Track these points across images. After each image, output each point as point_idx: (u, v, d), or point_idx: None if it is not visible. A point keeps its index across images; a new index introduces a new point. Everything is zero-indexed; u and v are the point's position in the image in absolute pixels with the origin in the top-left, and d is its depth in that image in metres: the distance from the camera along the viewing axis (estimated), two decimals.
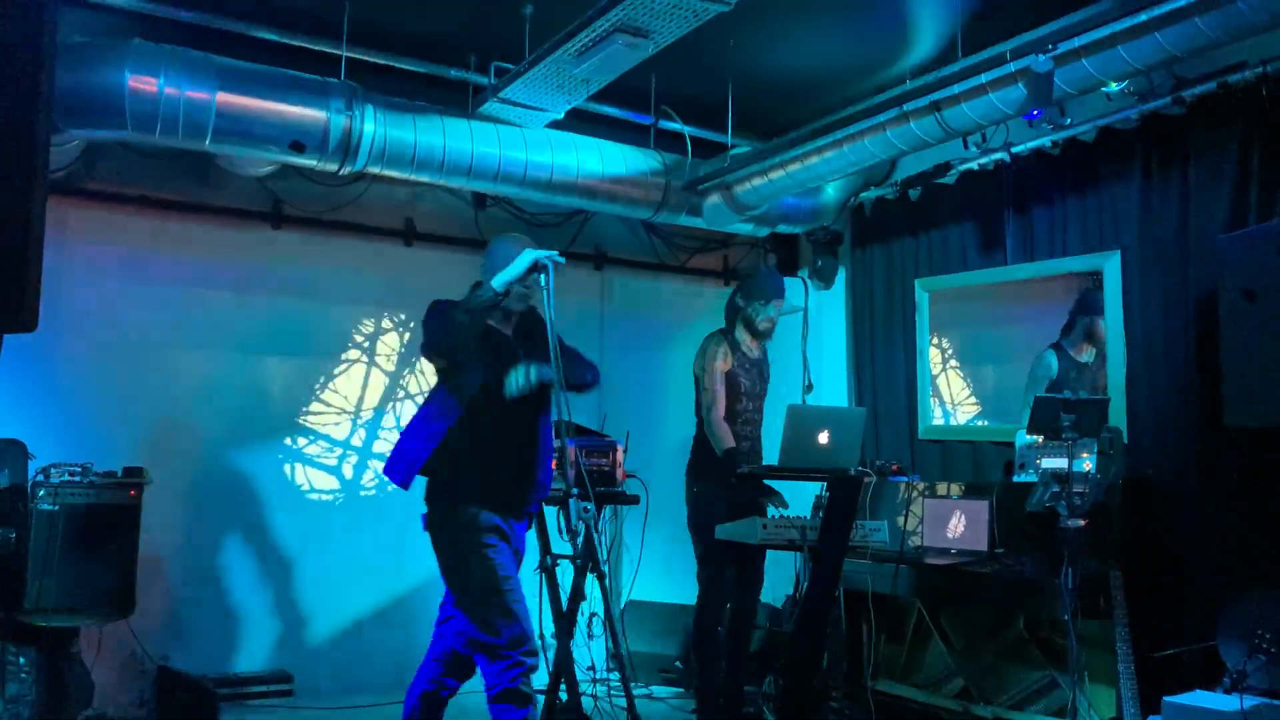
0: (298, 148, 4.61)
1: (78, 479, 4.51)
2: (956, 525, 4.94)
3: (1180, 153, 4.43)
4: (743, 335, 4.97)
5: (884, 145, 4.64)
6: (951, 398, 5.72)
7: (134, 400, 5.19)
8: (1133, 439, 4.50)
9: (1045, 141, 4.94)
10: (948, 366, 5.75)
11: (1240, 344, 3.66)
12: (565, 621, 4.77)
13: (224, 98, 4.38)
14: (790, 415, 4.33)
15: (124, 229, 5.25)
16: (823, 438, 4.20)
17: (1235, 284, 3.71)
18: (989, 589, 4.59)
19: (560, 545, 4.99)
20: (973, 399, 5.70)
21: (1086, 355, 4.98)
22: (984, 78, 4.12)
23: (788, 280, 6.52)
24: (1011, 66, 3.99)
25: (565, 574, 4.91)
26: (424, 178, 4.99)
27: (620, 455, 4.82)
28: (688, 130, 5.51)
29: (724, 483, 4.68)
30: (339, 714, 5.07)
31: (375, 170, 4.88)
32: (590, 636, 5.67)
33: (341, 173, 4.83)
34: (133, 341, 5.23)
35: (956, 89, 4.19)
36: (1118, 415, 4.50)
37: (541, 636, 5.21)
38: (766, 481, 4.89)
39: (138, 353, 5.24)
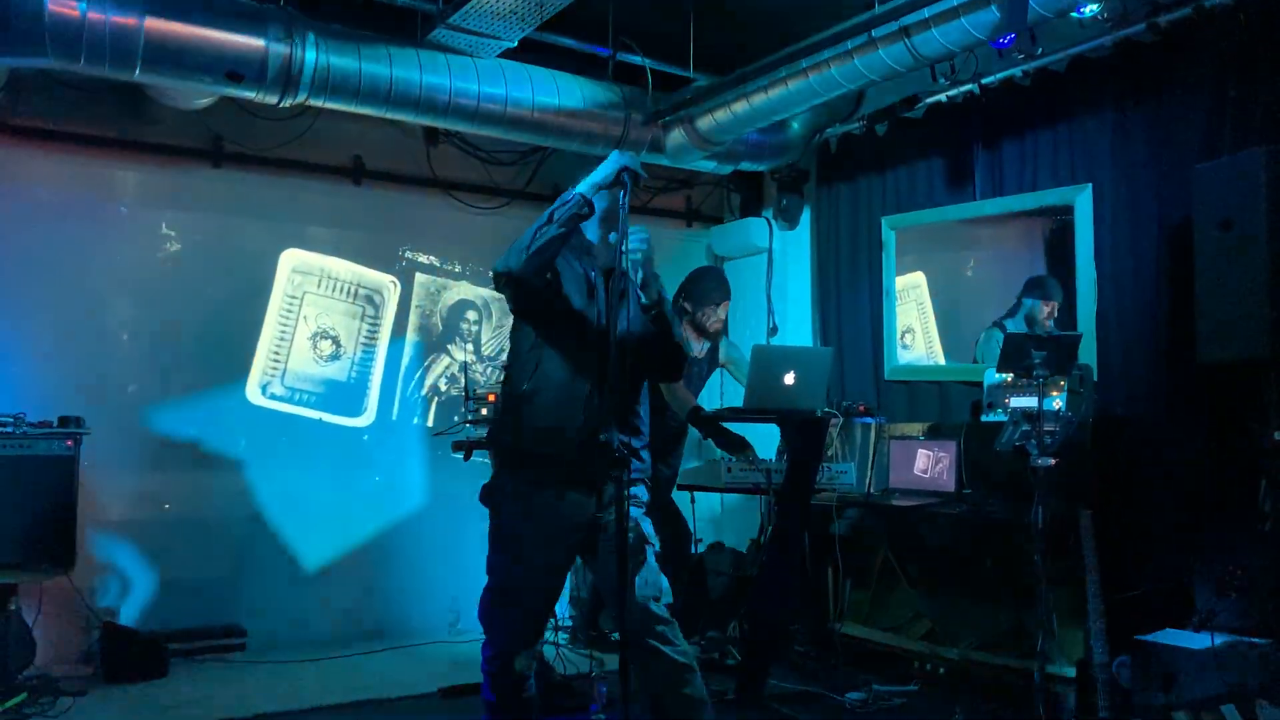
0: (234, 78, 4.36)
1: (9, 429, 4.31)
2: (924, 466, 4.86)
3: (1154, 82, 4.31)
4: (687, 333, 4.98)
5: (851, 74, 4.47)
6: (924, 336, 5.63)
7: (70, 348, 4.96)
8: (1102, 376, 4.43)
9: (1016, 72, 4.80)
10: (915, 305, 5.65)
11: (1215, 276, 3.57)
12: None
13: (152, 23, 4.11)
14: (755, 355, 4.22)
15: (54, 168, 4.97)
16: (788, 378, 4.09)
17: (1211, 215, 3.61)
18: (956, 530, 4.53)
19: None
20: (939, 339, 5.62)
21: None
22: (956, 0, 3.95)
23: (752, 220, 6.42)
24: None
25: None
26: (370, 111, 4.76)
27: None
28: (648, 63, 5.30)
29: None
30: (292, 668, 4.93)
31: (318, 103, 4.64)
32: None
33: (282, 105, 4.58)
34: (67, 287, 4.98)
35: (927, 12, 4.02)
36: (1088, 352, 4.41)
37: None
38: (735, 430, 4.78)
39: (73, 299, 5.00)
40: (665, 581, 2.99)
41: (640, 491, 3.08)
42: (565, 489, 2.94)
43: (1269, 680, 3.23)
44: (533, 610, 3.06)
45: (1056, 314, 4.80)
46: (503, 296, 3.02)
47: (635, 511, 3.00)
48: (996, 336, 5.09)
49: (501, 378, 3.14)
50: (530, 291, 2.90)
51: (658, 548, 3.04)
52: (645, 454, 3.09)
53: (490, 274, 3.08)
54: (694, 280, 5.14)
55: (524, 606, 3.02)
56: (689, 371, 5.00)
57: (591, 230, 3.01)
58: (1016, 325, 4.97)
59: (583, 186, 2.88)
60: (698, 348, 5.03)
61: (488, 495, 3.11)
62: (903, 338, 5.59)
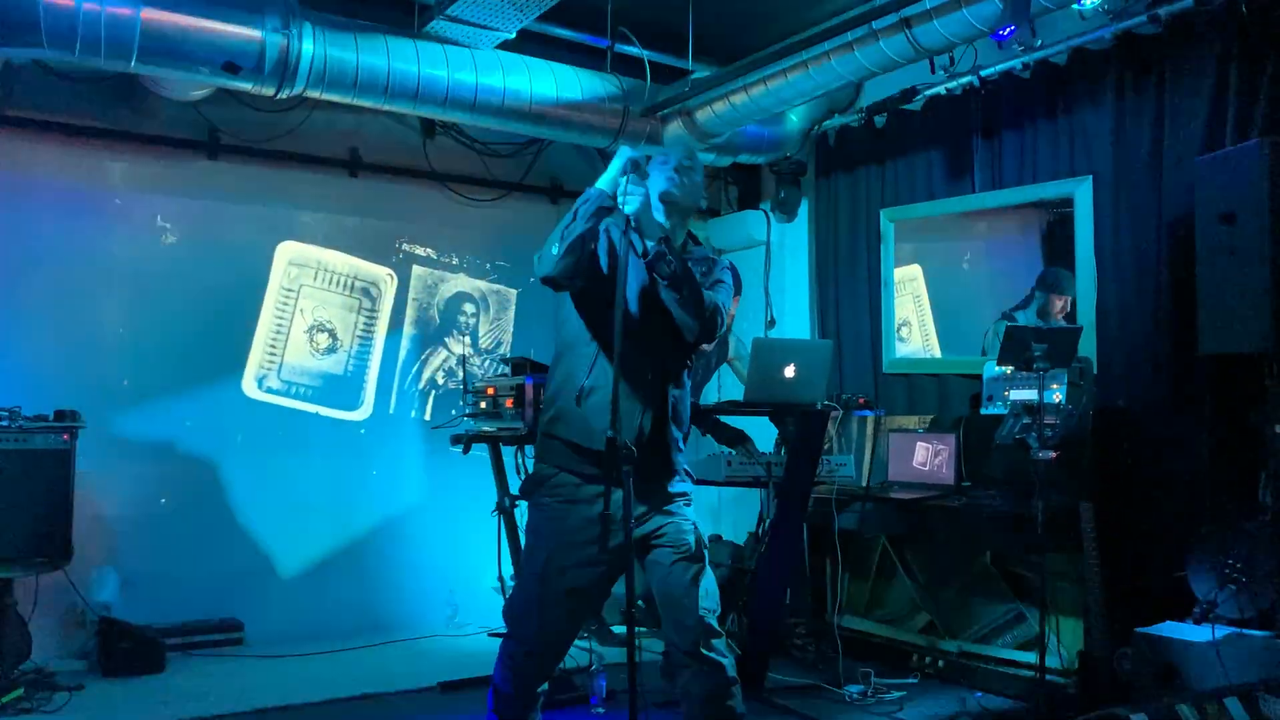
0: (232, 69, 4.33)
1: (5, 423, 4.27)
2: (923, 459, 4.86)
3: (1155, 74, 4.30)
4: None
5: (852, 66, 4.45)
6: (920, 329, 5.62)
7: (65, 341, 4.93)
8: (1102, 369, 4.42)
9: (1015, 64, 4.78)
10: (911, 298, 5.64)
11: (1217, 268, 3.56)
12: None
13: (149, 14, 4.08)
14: (756, 348, 4.21)
15: (47, 159, 4.94)
16: (789, 371, 4.08)
17: (1212, 207, 3.60)
18: (955, 523, 4.53)
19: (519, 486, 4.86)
20: (935, 332, 5.61)
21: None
22: None
23: (749, 213, 6.39)
24: None
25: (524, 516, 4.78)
26: (368, 102, 4.73)
27: None
28: (646, 54, 5.27)
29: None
30: (290, 662, 4.91)
31: (315, 94, 4.61)
32: None
33: (280, 96, 4.56)
34: (62, 279, 4.95)
35: (929, 4, 4.00)
36: (1088, 345, 4.40)
37: (501, 579, 5.10)
38: (733, 424, 4.76)
39: (68, 291, 4.96)
40: (718, 592, 2.96)
41: (689, 488, 3.03)
42: (614, 487, 2.80)
43: (1270, 673, 3.23)
44: (572, 604, 2.97)
45: (1069, 309, 4.76)
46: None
47: (691, 511, 2.99)
48: (1003, 328, 5.05)
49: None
50: (573, 289, 2.89)
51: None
52: (685, 446, 3.06)
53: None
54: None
55: (565, 600, 2.93)
56: (696, 362, 4.96)
57: (658, 215, 2.93)
58: (1028, 318, 4.94)
59: (601, 182, 2.88)
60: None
61: (530, 487, 3.05)
62: (899, 330, 5.58)
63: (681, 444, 3.04)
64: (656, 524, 2.91)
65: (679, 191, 2.92)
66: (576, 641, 4.76)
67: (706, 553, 2.97)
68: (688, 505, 3.00)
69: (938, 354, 5.54)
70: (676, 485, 2.99)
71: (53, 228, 4.93)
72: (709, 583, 2.91)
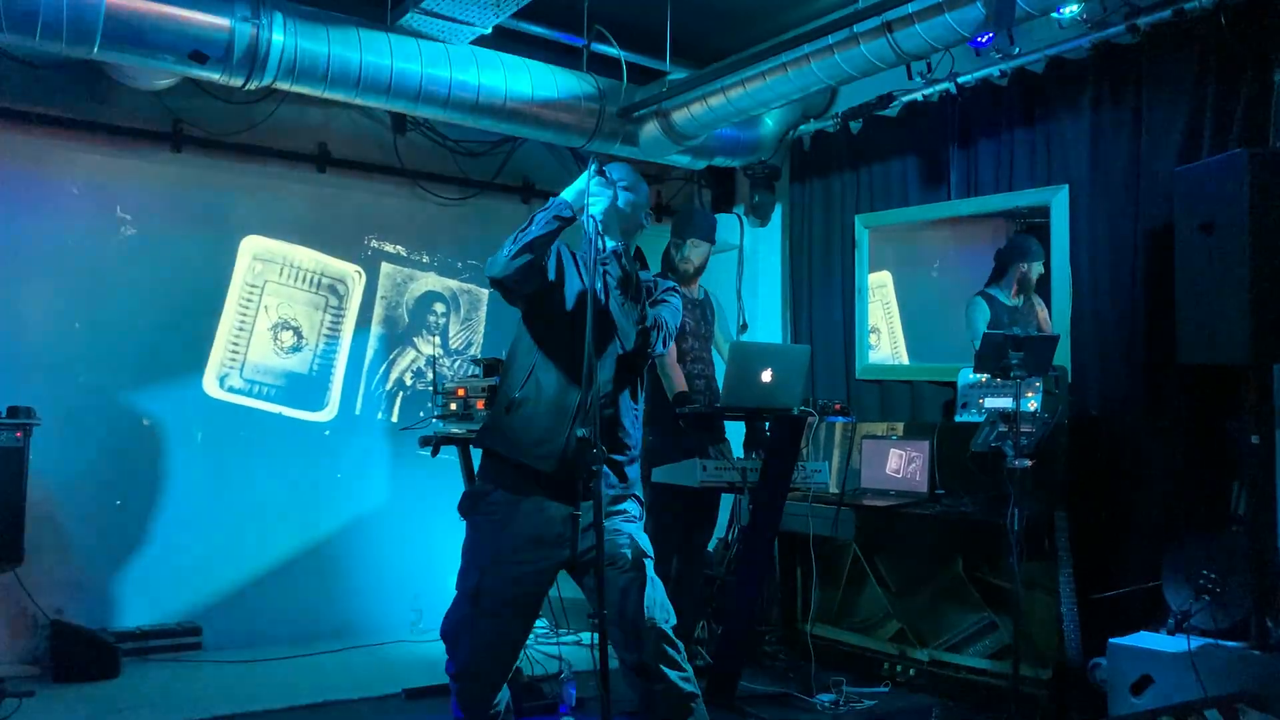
0: (199, 58, 4.21)
1: None
2: (896, 466, 4.83)
3: (1133, 84, 4.30)
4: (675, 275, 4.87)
5: (831, 70, 4.41)
6: (889, 336, 5.61)
7: (19, 336, 4.78)
8: (1077, 378, 4.42)
9: (993, 71, 4.78)
10: (880, 305, 5.62)
11: (1196, 279, 3.55)
12: None
13: None
14: (734, 352, 4.18)
15: (4, 148, 4.78)
16: (766, 375, 4.04)
17: (1192, 217, 3.60)
18: (928, 530, 4.50)
19: None
20: (904, 339, 5.59)
21: (1017, 300, 4.88)
22: None
23: (723, 217, 6.34)
24: None
25: None
26: (339, 96, 4.62)
27: None
28: (623, 55, 5.20)
29: (672, 428, 4.52)
30: (250, 667, 4.80)
31: (285, 86, 4.49)
32: None
33: (248, 88, 4.44)
34: (16, 272, 4.80)
35: (911, 8, 3.98)
36: (1062, 354, 4.39)
37: None
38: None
39: (22, 284, 4.81)
40: (668, 602, 2.92)
41: (631, 506, 3.00)
42: (548, 500, 2.86)
43: (1244, 685, 3.22)
44: (506, 624, 2.92)
45: (1045, 272, 4.67)
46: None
47: (631, 526, 2.95)
48: (980, 305, 4.98)
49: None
50: (519, 295, 2.91)
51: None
52: (631, 470, 3.01)
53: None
54: (675, 216, 5.16)
55: (497, 620, 2.89)
56: (696, 315, 4.90)
57: (612, 237, 2.96)
58: (1002, 290, 4.89)
59: (566, 193, 2.89)
60: (693, 292, 4.93)
61: (466, 504, 3.02)
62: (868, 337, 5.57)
63: (623, 460, 2.99)
64: (590, 541, 2.83)
65: (625, 208, 2.98)
66: (545, 649, 4.71)
67: (648, 564, 2.92)
68: (627, 521, 2.96)
69: (905, 361, 5.53)
70: (614, 503, 2.95)
71: (6, 218, 4.78)
72: (654, 592, 2.87)
